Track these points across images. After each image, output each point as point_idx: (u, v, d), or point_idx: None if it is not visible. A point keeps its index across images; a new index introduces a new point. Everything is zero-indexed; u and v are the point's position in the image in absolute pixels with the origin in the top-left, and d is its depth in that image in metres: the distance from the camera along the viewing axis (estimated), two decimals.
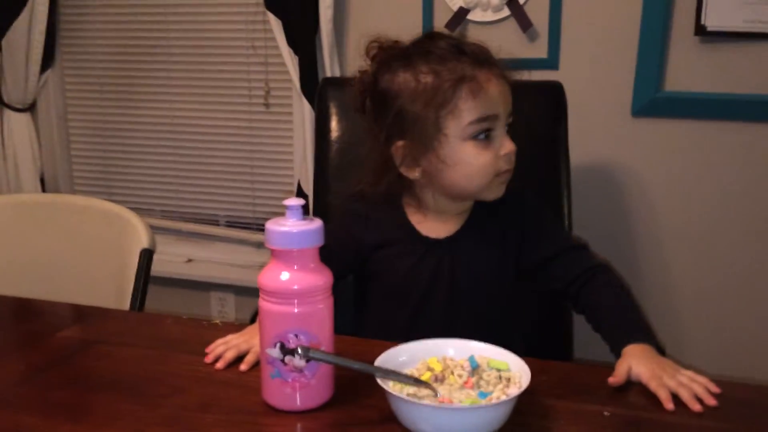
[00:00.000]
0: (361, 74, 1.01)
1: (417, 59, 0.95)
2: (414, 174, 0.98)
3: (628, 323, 0.89)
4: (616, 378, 0.80)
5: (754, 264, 1.70)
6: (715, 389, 0.78)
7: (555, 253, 1.00)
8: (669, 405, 0.75)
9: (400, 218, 1.02)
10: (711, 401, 0.76)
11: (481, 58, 0.95)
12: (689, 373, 0.80)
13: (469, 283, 1.01)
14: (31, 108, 2.25)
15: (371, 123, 1.00)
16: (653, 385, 0.78)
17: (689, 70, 1.66)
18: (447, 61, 0.93)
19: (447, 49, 0.94)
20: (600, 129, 1.74)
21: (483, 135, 0.94)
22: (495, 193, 0.98)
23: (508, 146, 0.95)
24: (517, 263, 1.03)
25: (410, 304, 1.01)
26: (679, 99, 1.67)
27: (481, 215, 1.02)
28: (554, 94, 1.38)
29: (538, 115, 1.39)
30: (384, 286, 1.03)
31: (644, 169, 1.75)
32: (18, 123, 2.23)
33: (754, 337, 1.73)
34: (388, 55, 0.98)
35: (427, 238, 1.01)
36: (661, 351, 0.85)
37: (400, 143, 0.96)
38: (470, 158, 0.94)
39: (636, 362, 0.81)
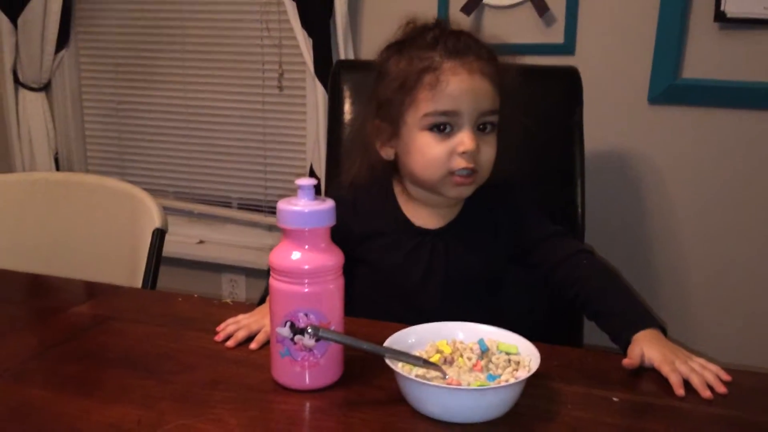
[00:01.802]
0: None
1: (405, 45, 0.96)
2: (388, 154, 1.00)
3: (630, 310, 0.88)
4: (631, 360, 0.80)
5: None
6: (726, 377, 0.77)
7: (540, 240, 1.00)
8: (680, 391, 0.75)
9: (392, 208, 1.02)
10: (721, 389, 0.75)
11: (457, 49, 0.92)
12: (701, 360, 0.79)
13: (462, 274, 1.01)
14: (46, 87, 2.26)
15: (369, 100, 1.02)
16: (665, 370, 0.77)
17: (708, 57, 1.64)
18: (423, 51, 0.93)
19: (429, 40, 0.94)
20: (616, 116, 1.72)
21: (440, 128, 0.92)
22: (452, 192, 0.95)
23: (466, 144, 0.91)
24: (508, 255, 1.03)
25: (404, 293, 1.01)
26: (698, 86, 1.65)
27: (473, 207, 1.02)
28: (570, 80, 1.37)
29: (553, 101, 1.38)
30: (376, 276, 1.03)
31: (660, 157, 1.73)
32: (33, 102, 2.24)
33: None
34: (396, 37, 0.99)
35: (419, 229, 1.01)
36: (664, 331, 0.85)
37: (376, 122, 0.99)
38: (423, 148, 0.93)
39: (648, 347, 0.80)
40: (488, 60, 0.94)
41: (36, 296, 1.09)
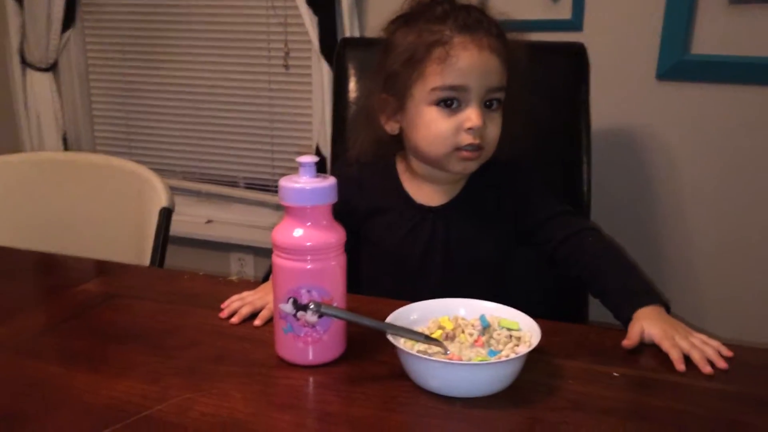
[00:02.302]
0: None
1: (414, 18, 0.95)
2: (393, 128, 0.99)
3: (633, 287, 0.88)
4: (630, 340, 0.80)
5: None
6: (727, 353, 0.78)
7: (545, 218, 0.99)
8: (680, 366, 0.75)
9: (394, 185, 1.02)
10: (722, 364, 0.76)
11: (468, 24, 0.91)
12: (702, 335, 0.80)
13: (464, 252, 1.01)
14: (53, 68, 2.26)
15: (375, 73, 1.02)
16: (666, 345, 0.78)
17: (717, 32, 1.61)
18: (433, 24, 0.92)
19: (439, 13, 0.93)
20: (624, 92, 1.71)
21: (447, 103, 0.92)
22: (457, 167, 0.96)
23: (473, 120, 0.91)
24: (513, 232, 1.03)
25: (406, 271, 1.01)
26: (707, 62, 1.63)
27: (477, 184, 1.02)
28: (576, 56, 1.36)
29: (559, 78, 1.37)
30: (379, 254, 1.03)
31: (668, 134, 1.71)
32: (40, 83, 2.25)
33: None
34: (403, 10, 0.98)
35: (421, 206, 1.01)
36: (667, 308, 0.85)
37: (382, 96, 0.98)
38: (430, 123, 0.93)
39: (648, 323, 0.80)
40: (497, 36, 0.94)
41: (46, 274, 1.10)
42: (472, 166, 0.96)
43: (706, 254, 1.75)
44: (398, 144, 1.03)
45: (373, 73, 1.01)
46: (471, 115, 0.91)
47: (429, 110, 0.93)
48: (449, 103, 0.92)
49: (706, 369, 0.75)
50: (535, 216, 1.00)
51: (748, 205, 1.69)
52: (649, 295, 0.85)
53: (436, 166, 0.98)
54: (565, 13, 1.71)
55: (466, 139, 0.92)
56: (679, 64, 1.65)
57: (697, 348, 0.77)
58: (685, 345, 0.77)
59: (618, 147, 1.75)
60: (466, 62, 0.91)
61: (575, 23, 1.71)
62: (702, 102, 1.67)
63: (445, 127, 0.92)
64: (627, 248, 1.83)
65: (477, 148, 0.93)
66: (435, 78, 0.91)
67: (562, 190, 1.31)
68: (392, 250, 1.01)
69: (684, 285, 1.77)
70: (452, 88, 0.91)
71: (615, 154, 1.75)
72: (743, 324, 1.72)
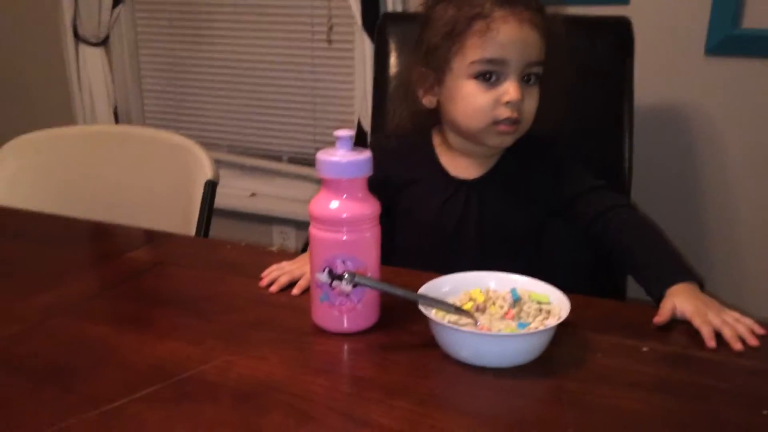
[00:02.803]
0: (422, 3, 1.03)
1: None
2: (430, 101, 1.00)
3: (666, 263, 0.87)
4: (661, 317, 0.80)
5: None
6: (761, 330, 0.77)
7: (579, 193, 1.00)
8: (711, 343, 0.75)
9: (429, 157, 1.04)
10: (753, 341, 0.75)
11: (509, 0, 0.92)
12: (734, 313, 0.79)
13: (496, 224, 1.02)
14: (104, 42, 2.33)
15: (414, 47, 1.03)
16: (697, 322, 0.78)
17: None
18: None
19: None
20: (671, 68, 1.68)
21: (486, 77, 0.93)
22: (494, 141, 0.97)
23: (511, 94, 0.92)
24: (546, 207, 1.03)
25: (439, 243, 1.03)
26: (758, 36, 1.58)
27: (511, 159, 1.03)
28: (620, 31, 1.33)
29: (603, 53, 1.35)
30: (412, 224, 1.05)
31: (716, 111, 1.68)
32: (92, 57, 2.32)
33: None
34: None
35: (455, 179, 1.02)
36: (701, 285, 0.85)
37: (421, 69, 0.99)
38: (469, 96, 0.94)
39: (680, 300, 0.80)
40: (537, 10, 0.94)
41: (97, 242, 1.16)
42: (508, 140, 0.97)
43: (750, 234, 1.71)
44: (435, 117, 1.04)
45: (413, 47, 1.02)
46: (509, 89, 0.92)
47: (468, 83, 0.94)
48: (488, 76, 0.93)
49: (737, 346, 0.75)
50: (569, 191, 1.01)
51: None
52: (683, 272, 0.85)
53: (473, 139, 0.99)
54: None
55: (504, 113, 0.93)
56: (729, 38, 1.60)
57: (728, 325, 0.77)
58: (717, 322, 0.77)
59: (663, 125, 1.72)
60: (506, 36, 0.91)
61: None
62: (752, 78, 1.62)
63: (484, 100, 0.94)
64: (669, 228, 1.81)
65: (514, 122, 0.94)
66: (474, 51, 0.92)
67: (603, 167, 1.30)
68: (426, 221, 1.03)
69: (725, 265, 1.74)
70: (491, 61, 0.92)
71: (659, 132, 1.72)
72: None
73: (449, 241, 1.03)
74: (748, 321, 0.78)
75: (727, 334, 0.76)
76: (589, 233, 0.98)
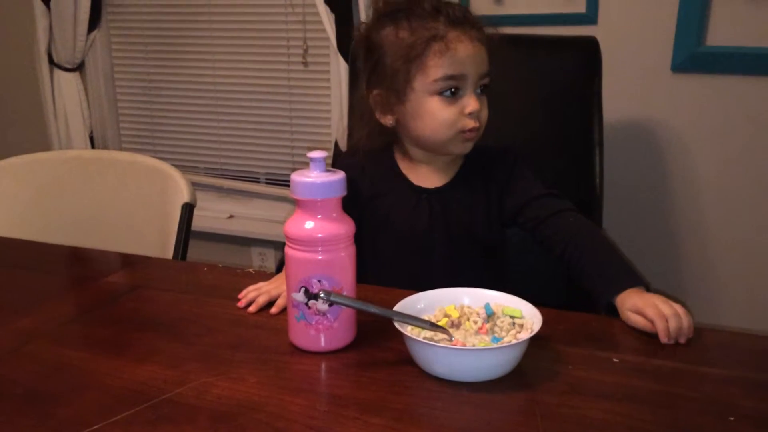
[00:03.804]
0: (360, 26, 1.09)
1: (401, 16, 1.01)
2: (388, 121, 1.05)
3: (612, 270, 0.91)
4: (638, 324, 0.82)
5: None
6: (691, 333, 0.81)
7: (528, 200, 1.04)
8: (665, 339, 0.79)
9: (392, 169, 1.09)
10: (683, 340, 0.80)
11: (458, 19, 0.99)
12: (679, 307, 0.82)
13: (462, 229, 1.06)
14: (79, 67, 2.33)
15: (362, 72, 1.07)
16: (650, 313, 0.81)
17: (733, 23, 1.61)
18: (424, 20, 0.99)
19: (428, 9, 1.00)
20: (639, 85, 1.72)
21: (448, 92, 0.99)
22: (459, 148, 1.04)
23: (472, 105, 0.99)
24: (503, 215, 1.08)
25: (410, 249, 1.07)
26: (723, 54, 1.63)
27: (470, 168, 1.09)
28: (588, 50, 1.37)
29: (571, 72, 1.39)
30: (384, 235, 1.08)
31: (683, 127, 1.72)
32: (67, 82, 2.32)
33: None
34: (383, 10, 1.04)
35: (418, 188, 1.07)
36: (647, 288, 0.88)
37: (376, 91, 1.04)
38: (434, 112, 1.00)
39: (632, 301, 0.84)
40: (480, 29, 1.02)
41: (73, 266, 1.16)
42: (470, 146, 1.05)
43: (720, 247, 1.75)
44: (392, 135, 1.09)
45: (363, 72, 1.07)
46: (470, 101, 1.00)
47: (431, 100, 1.00)
48: (453, 91, 1.00)
49: (665, 340, 0.79)
50: (520, 197, 1.06)
51: (764, 197, 1.69)
52: (629, 278, 0.88)
53: (438, 150, 1.05)
54: (579, 6, 1.73)
55: (469, 123, 1.01)
56: (693, 56, 1.65)
57: (678, 317, 0.80)
58: (668, 311, 0.81)
59: (632, 140, 1.76)
60: (463, 53, 0.99)
61: (590, 17, 1.72)
62: (718, 94, 1.67)
63: (449, 114, 1.00)
64: (640, 241, 1.85)
65: (476, 129, 1.01)
66: (437, 70, 0.98)
67: (575, 184, 1.33)
68: (397, 230, 1.07)
69: (698, 277, 1.77)
70: (453, 77, 0.99)
71: (629, 147, 1.76)
72: (757, 314, 1.72)
73: (421, 248, 1.06)
74: (688, 320, 0.81)
75: (673, 324, 0.80)
76: (536, 238, 1.03)
